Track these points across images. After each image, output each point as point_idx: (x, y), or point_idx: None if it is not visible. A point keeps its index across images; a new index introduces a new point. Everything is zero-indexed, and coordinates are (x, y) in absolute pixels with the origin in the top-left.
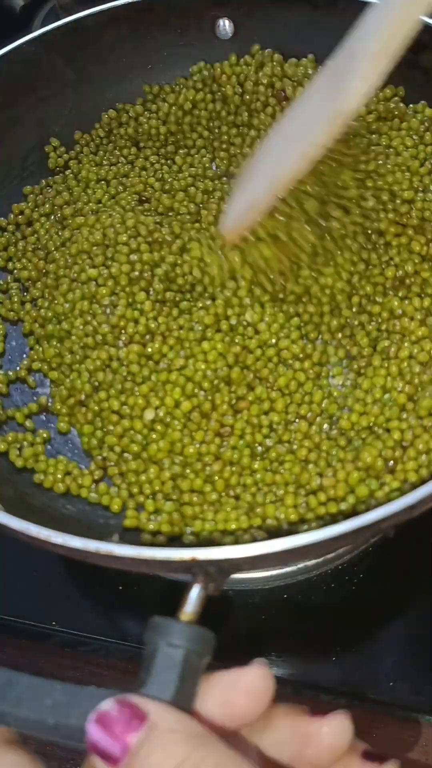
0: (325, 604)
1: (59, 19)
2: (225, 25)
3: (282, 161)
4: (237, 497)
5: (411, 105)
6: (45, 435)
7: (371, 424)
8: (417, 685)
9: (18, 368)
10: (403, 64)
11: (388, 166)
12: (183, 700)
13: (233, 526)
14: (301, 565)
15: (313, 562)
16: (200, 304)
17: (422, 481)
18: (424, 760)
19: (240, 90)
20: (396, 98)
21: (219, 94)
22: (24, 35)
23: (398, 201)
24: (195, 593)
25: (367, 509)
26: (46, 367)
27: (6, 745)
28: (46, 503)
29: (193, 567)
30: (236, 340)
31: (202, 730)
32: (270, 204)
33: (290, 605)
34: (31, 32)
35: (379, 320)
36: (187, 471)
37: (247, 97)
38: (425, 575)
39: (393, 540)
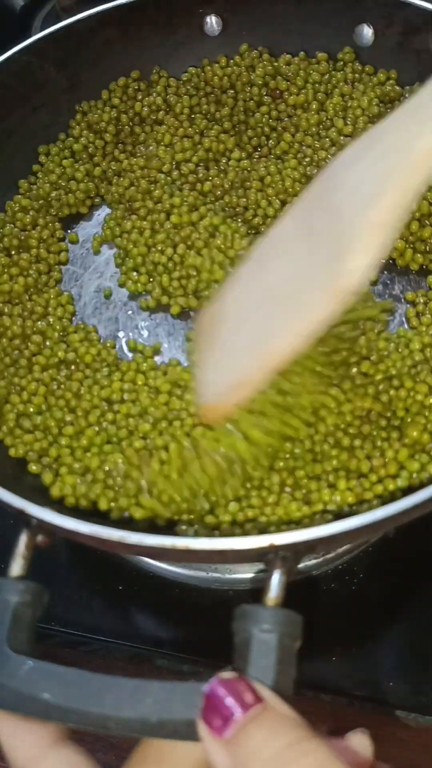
0: (325, 604)
1: (59, 19)
2: (213, 22)
3: (270, 327)
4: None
5: (407, 87)
6: None
7: (407, 407)
8: (417, 686)
9: None
10: (395, 47)
11: None
12: (283, 684)
13: (298, 515)
14: (301, 566)
15: (314, 561)
16: None
17: None
18: (425, 761)
19: (233, 92)
20: (390, 81)
21: (212, 96)
22: (23, 36)
23: None
24: (276, 578)
25: (421, 483)
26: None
27: (60, 741)
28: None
29: (269, 553)
30: None
31: (309, 728)
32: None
33: (290, 605)
34: (30, 33)
35: None
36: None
37: (241, 96)
38: (425, 575)
39: (393, 540)
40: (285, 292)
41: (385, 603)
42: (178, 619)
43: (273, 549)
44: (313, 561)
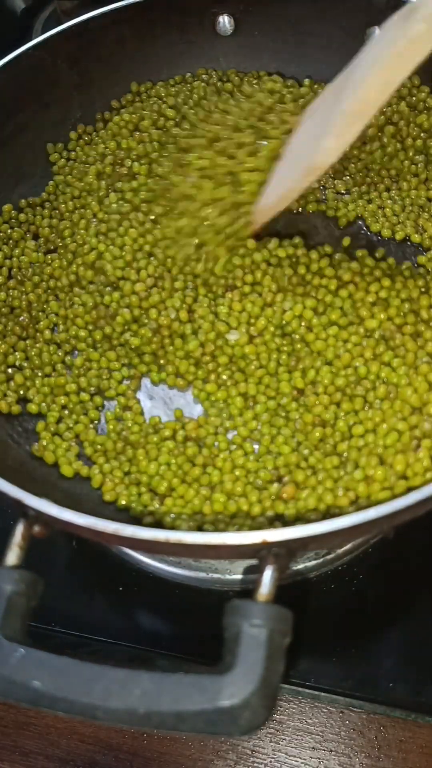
0: (325, 605)
1: (60, 22)
2: (225, 22)
3: (298, 166)
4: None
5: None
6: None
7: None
8: (417, 686)
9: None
10: None
11: None
12: (271, 679)
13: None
14: (300, 567)
15: (314, 562)
16: None
17: None
18: (425, 762)
19: None
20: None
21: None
22: (25, 39)
23: None
24: (268, 574)
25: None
26: None
27: None
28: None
29: (262, 549)
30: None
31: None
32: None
33: (289, 606)
34: (32, 36)
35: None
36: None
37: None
38: (424, 576)
39: (392, 541)
40: (304, 150)
41: (385, 604)
42: (178, 620)
43: (266, 545)
44: (313, 562)
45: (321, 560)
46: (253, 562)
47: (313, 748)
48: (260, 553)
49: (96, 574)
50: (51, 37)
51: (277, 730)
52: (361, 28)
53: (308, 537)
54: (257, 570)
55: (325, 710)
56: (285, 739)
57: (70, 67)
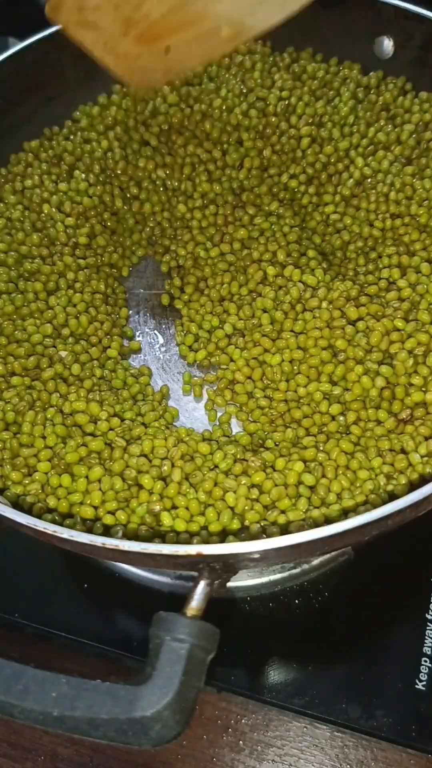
0: (285, 620)
1: None
2: None
3: None
4: None
5: None
6: None
7: None
8: (368, 709)
9: None
10: (414, 61)
11: None
12: (187, 694)
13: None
14: (264, 580)
15: (279, 576)
16: None
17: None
18: None
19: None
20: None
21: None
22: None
23: None
24: (200, 589)
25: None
26: None
27: None
28: None
29: (200, 563)
30: None
31: None
32: None
33: (251, 618)
34: None
35: None
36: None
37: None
38: (389, 599)
39: (359, 561)
40: None
41: (348, 624)
42: (141, 621)
43: (201, 558)
44: (278, 575)
45: (286, 574)
46: (194, 574)
47: (273, 761)
48: (198, 566)
49: (62, 570)
50: (57, 31)
51: (241, 740)
52: (369, 37)
53: (244, 554)
54: (193, 583)
55: (290, 724)
56: (245, 750)
57: (75, 62)
